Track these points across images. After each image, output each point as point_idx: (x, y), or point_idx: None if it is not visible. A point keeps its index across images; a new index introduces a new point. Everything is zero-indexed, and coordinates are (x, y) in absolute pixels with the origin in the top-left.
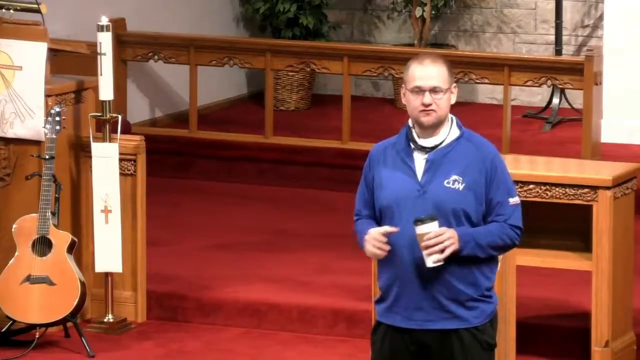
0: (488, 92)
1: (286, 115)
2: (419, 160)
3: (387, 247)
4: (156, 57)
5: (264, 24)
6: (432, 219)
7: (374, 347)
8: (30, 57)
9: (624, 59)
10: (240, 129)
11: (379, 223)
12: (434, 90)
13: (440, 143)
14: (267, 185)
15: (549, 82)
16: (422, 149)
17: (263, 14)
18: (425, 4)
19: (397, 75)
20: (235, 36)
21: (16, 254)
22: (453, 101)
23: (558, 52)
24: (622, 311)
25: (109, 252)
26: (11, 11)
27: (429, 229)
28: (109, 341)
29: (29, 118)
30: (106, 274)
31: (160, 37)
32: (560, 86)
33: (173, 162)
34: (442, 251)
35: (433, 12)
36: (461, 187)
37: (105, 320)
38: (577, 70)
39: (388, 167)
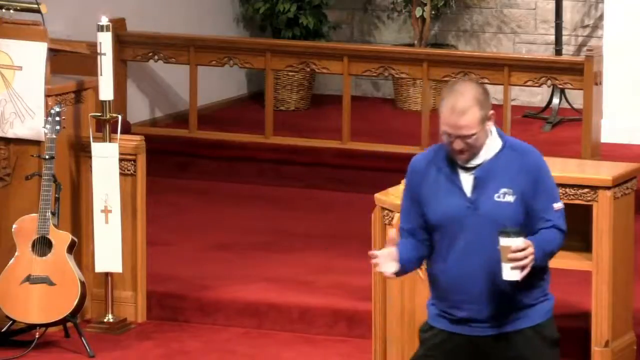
0: None
1: (286, 115)
2: (465, 177)
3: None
4: (156, 57)
5: (264, 24)
6: (518, 234)
7: (426, 345)
8: (30, 57)
9: (624, 59)
10: (240, 129)
11: (429, 236)
12: (463, 137)
13: (484, 160)
14: (267, 185)
15: (549, 82)
16: (466, 168)
17: (263, 14)
18: (425, 4)
19: (397, 75)
20: (235, 36)
21: (16, 254)
22: (491, 126)
23: (558, 52)
24: (622, 311)
25: (109, 252)
26: (11, 11)
27: (515, 243)
28: (109, 341)
29: (29, 118)
30: (106, 274)
31: (160, 37)
32: (560, 86)
33: (173, 162)
34: (524, 267)
35: (433, 12)
36: (512, 199)
37: (105, 320)
38: (577, 70)
39: (432, 183)
